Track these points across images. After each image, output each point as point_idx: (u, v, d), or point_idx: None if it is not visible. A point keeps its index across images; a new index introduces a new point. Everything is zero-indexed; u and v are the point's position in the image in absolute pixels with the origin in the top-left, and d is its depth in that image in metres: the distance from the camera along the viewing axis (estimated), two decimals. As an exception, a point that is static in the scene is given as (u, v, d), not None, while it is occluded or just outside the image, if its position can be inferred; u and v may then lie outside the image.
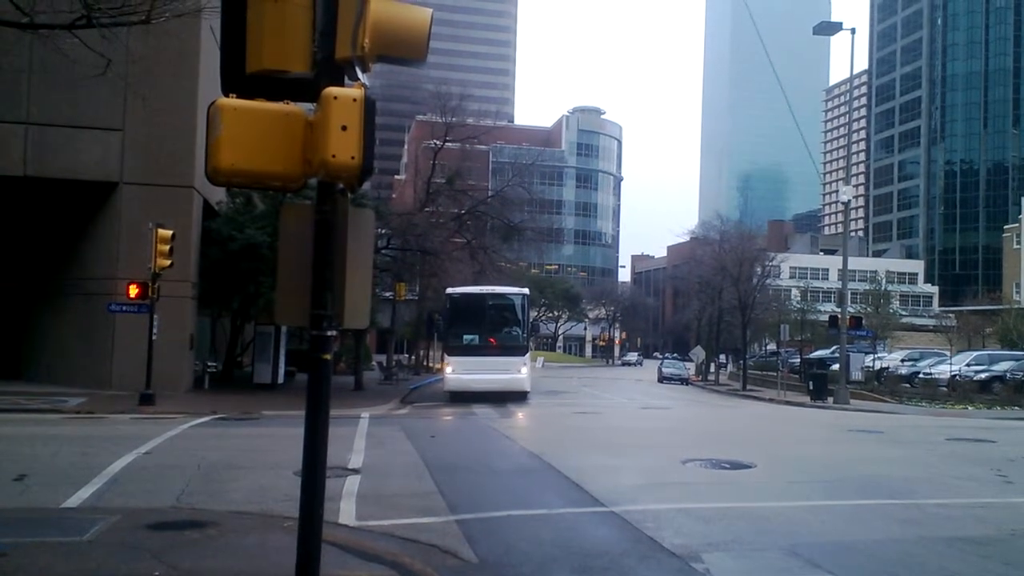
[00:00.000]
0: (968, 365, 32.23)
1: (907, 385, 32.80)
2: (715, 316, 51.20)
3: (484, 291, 28.65)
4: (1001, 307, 55.79)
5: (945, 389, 30.75)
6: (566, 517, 8.75)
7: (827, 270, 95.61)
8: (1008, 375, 30.70)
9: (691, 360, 58.08)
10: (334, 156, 4.17)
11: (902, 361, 37.02)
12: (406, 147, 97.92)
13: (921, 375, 33.44)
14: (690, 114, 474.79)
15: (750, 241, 50.08)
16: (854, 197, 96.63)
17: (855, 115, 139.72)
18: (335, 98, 4.20)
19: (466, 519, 8.45)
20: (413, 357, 51.68)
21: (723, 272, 46.22)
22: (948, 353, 35.73)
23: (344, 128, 4.17)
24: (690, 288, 65.72)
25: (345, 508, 8.79)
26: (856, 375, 32.60)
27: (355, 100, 4.20)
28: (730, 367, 59.29)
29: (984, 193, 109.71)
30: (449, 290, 28.38)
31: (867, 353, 37.33)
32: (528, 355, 27.84)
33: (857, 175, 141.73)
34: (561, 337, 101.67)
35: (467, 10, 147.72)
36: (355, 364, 31.90)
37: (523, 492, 10.37)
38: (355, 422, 17.66)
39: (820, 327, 44.93)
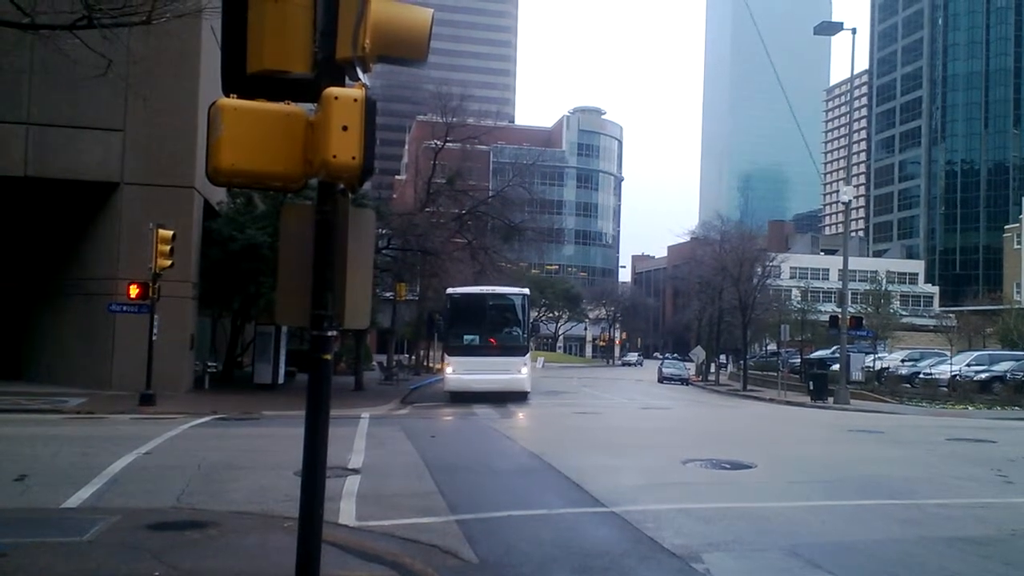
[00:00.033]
0: (968, 365, 32.22)
1: (907, 385, 32.79)
2: (715, 316, 51.18)
3: (484, 291, 28.64)
4: (1001, 307, 55.73)
5: (945, 389, 30.76)
6: (566, 517, 8.75)
7: (827, 270, 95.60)
8: (1008, 375, 30.71)
9: (691, 360, 58.06)
10: (335, 156, 4.17)
11: (902, 361, 37.00)
12: (406, 147, 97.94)
13: (921, 375, 33.44)
14: (691, 114, 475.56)
15: (750, 241, 50.04)
16: (855, 197, 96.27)
17: (856, 115, 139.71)
18: (336, 98, 4.20)
19: (466, 519, 8.45)
20: (413, 357, 51.65)
21: (723, 272, 46.19)
22: (948, 353, 35.75)
23: (345, 128, 4.17)
24: (690, 288, 65.72)
25: (345, 508, 8.79)
26: (856, 375, 32.66)
27: (356, 100, 4.21)
28: (730, 367, 59.28)
29: (985, 193, 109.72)
30: (449, 290, 28.38)
31: (867, 353, 37.32)
32: (528, 355, 27.85)
33: (858, 175, 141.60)
34: (561, 337, 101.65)
35: (468, 10, 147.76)
36: (355, 364, 31.91)
37: (523, 492, 10.37)
38: (355, 422, 17.65)
39: (820, 327, 44.89)
